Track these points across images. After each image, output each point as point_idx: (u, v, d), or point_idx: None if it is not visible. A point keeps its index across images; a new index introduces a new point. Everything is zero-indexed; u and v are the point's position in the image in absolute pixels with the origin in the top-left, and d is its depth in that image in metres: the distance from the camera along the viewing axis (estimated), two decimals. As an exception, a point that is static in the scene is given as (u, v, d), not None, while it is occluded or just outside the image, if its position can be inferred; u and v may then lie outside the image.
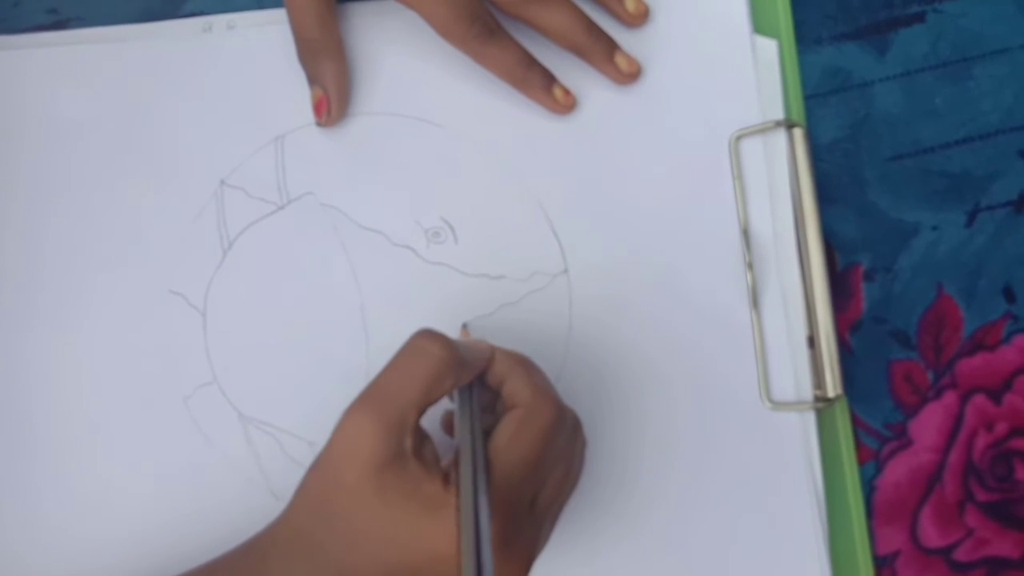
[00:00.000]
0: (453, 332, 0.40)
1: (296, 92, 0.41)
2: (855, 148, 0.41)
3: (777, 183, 0.40)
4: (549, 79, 0.40)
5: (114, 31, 0.43)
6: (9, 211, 0.41)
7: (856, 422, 0.40)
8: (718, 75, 0.41)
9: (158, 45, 0.43)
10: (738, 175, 0.40)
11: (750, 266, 0.39)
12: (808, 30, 0.42)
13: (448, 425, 0.37)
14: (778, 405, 0.39)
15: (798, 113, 0.41)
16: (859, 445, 0.40)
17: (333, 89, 0.40)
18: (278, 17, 0.42)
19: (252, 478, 0.39)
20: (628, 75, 0.40)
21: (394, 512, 0.30)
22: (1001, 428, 0.40)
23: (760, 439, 0.39)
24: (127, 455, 0.40)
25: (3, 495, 0.40)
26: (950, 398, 0.40)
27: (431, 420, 0.35)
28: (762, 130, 0.40)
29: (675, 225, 0.40)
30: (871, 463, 0.40)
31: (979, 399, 0.40)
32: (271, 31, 0.42)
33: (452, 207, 0.41)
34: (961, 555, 0.39)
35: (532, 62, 0.40)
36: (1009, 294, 0.40)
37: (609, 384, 0.39)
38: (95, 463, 0.40)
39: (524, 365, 0.34)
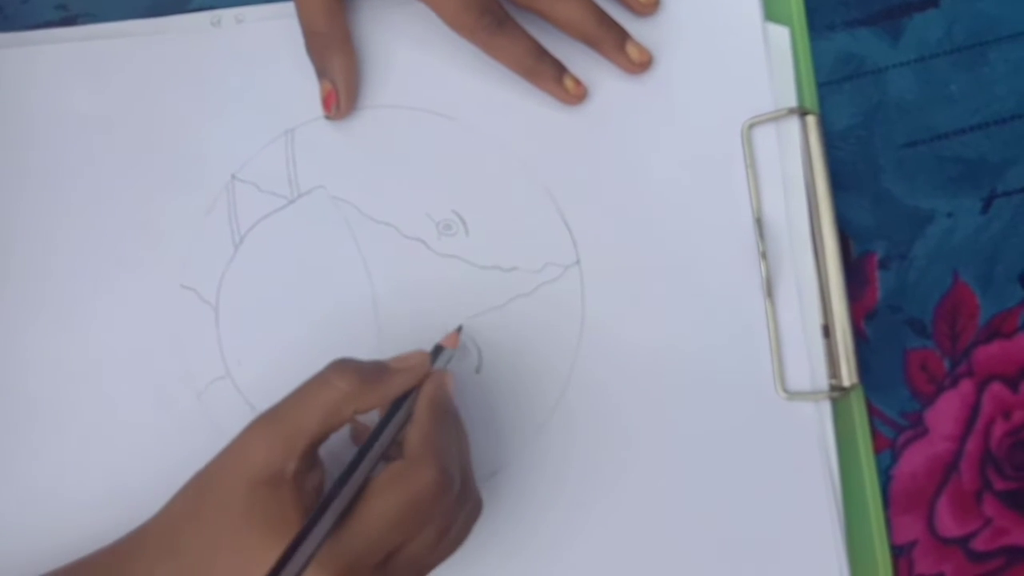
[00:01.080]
0: (458, 324, 0.40)
1: (305, 85, 0.41)
2: (869, 135, 0.41)
3: (790, 171, 0.40)
4: (559, 69, 0.40)
5: (123, 26, 0.43)
6: (20, 207, 0.42)
7: (872, 411, 0.40)
8: (730, 63, 0.40)
9: (167, 40, 0.43)
10: (751, 164, 0.40)
11: (764, 255, 0.39)
12: (820, 16, 0.42)
13: (356, 438, 0.37)
14: (793, 395, 0.38)
15: (811, 100, 0.41)
16: (875, 434, 0.39)
17: (342, 82, 0.40)
18: (287, 10, 0.41)
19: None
20: (639, 65, 0.40)
21: (252, 532, 0.31)
22: (1018, 416, 0.39)
23: (776, 429, 0.38)
24: (141, 449, 0.40)
25: (17, 490, 0.40)
26: (967, 386, 0.39)
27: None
28: (775, 118, 0.40)
29: (688, 215, 0.40)
30: (887, 452, 0.39)
31: (996, 387, 0.39)
32: (280, 24, 0.42)
33: (463, 199, 0.41)
34: (979, 544, 0.39)
35: (542, 53, 0.40)
36: (1026, 281, 0.40)
37: (622, 375, 0.39)
38: (109, 458, 0.40)
39: (434, 415, 0.33)
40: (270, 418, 0.33)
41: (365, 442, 0.32)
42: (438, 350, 0.37)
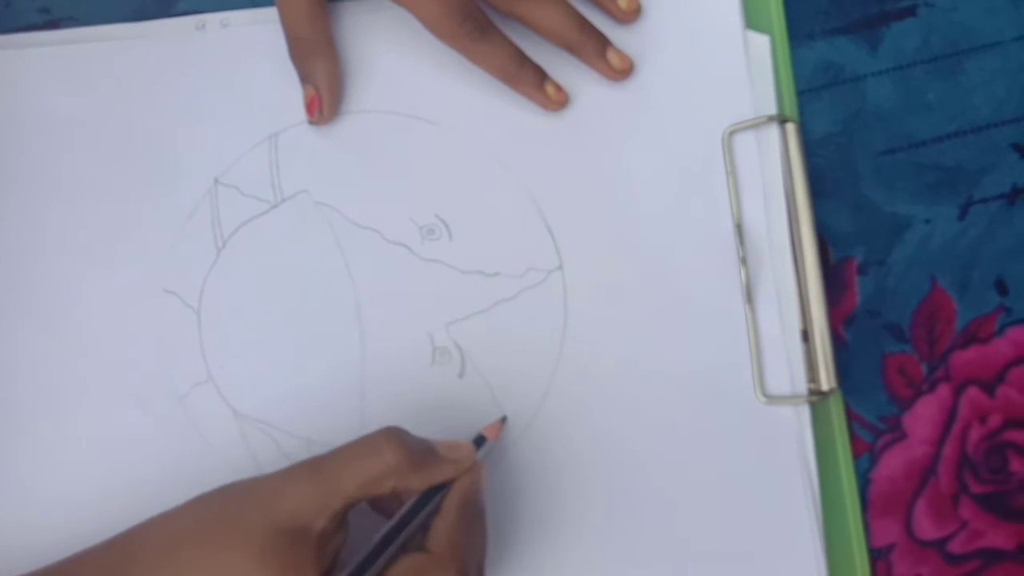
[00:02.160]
0: (445, 329, 0.40)
1: (289, 90, 0.41)
2: (848, 142, 0.41)
3: (770, 178, 0.40)
4: (541, 76, 0.40)
5: (107, 30, 0.43)
6: (2, 210, 0.41)
7: (850, 415, 0.40)
8: (710, 71, 0.41)
9: (151, 44, 0.43)
10: (731, 170, 0.40)
11: (744, 261, 0.40)
12: (800, 25, 0.42)
13: (375, 503, 0.36)
14: (773, 399, 0.39)
15: (791, 108, 0.41)
16: (854, 438, 0.40)
17: (325, 87, 0.40)
18: (272, 15, 0.42)
19: (248, 475, 0.39)
20: (620, 71, 0.40)
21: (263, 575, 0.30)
22: (995, 420, 0.40)
23: (755, 433, 0.39)
24: (122, 454, 0.40)
25: (-2, 494, 0.40)
26: (944, 391, 0.40)
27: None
28: (755, 125, 0.40)
29: (669, 220, 0.40)
30: (866, 456, 0.40)
31: (973, 391, 0.40)
32: (264, 29, 0.42)
33: (446, 204, 0.41)
34: (955, 547, 0.39)
35: (524, 59, 0.40)
36: (1002, 287, 0.40)
37: (604, 379, 0.39)
38: (89, 461, 0.40)
39: (464, 513, 0.33)
40: (313, 469, 0.32)
41: (391, 526, 0.32)
42: (480, 440, 0.36)
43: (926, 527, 0.39)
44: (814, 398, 0.39)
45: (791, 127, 0.40)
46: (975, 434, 0.40)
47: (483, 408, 0.39)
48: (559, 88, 0.40)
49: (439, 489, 0.33)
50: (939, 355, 0.40)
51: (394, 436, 0.33)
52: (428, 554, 0.31)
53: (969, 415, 0.40)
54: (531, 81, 0.40)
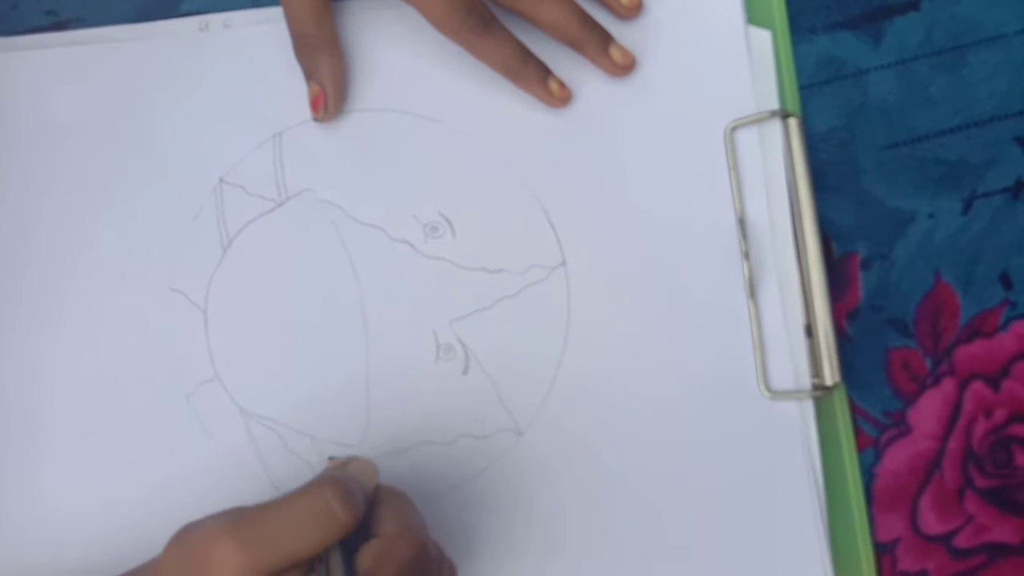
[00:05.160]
0: (449, 326, 0.40)
1: (293, 89, 0.42)
2: (850, 137, 0.41)
3: (773, 173, 0.40)
4: (544, 72, 0.40)
5: (111, 31, 0.43)
6: (9, 211, 0.42)
7: (855, 410, 0.40)
8: (712, 66, 0.41)
9: (155, 45, 0.43)
10: (734, 166, 0.40)
11: (747, 256, 0.40)
12: (802, 19, 0.42)
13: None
14: (776, 394, 0.39)
15: (793, 103, 0.41)
16: (858, 433, 0.40)
17: (330, 84, 0.41)
18: (274, 15, 0.42)
19: (254, 473, 0.40)
20: (623, 67, 0.41)
21: None
22: (1000, 414, 0.40)
23: (759, 428, 0.39)
24: (129, 452, 0.40)
25: (6, 492, 0.40)
26: (948, 385, 0.40)
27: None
28: (757, 120, 0.40)
29: (671, 216, 0.40)
30: (870, 451, 0.40)
31: (977, 386, 0.40)
32: (268, 29, 0.42)
33: (449, 201, 0.41)
34: (961, 541, 0.39)
35: (527, 55, 0.40)
36: (1006, 281, 0.40)
37: (607, 375, 0.39)
38: (98, 460, 0.40)
39: (396, 497, 0.32)
40: (248, 534, 0.28)
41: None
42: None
43: (931, 521, 0.39)
44: (818, 393, 0.39)
45: (793, 122, 0.40)
46: (980, 428, 0.40)
47: (487, 404, 0.40)
48: (562, 85, 0.41)
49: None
50: (943, 349, 0.40)
51: (343, 492, 0.29)
52: (383, 538, 0.30)
53: (974, 409, 0.40)
54: (534, 77, 0.40)
